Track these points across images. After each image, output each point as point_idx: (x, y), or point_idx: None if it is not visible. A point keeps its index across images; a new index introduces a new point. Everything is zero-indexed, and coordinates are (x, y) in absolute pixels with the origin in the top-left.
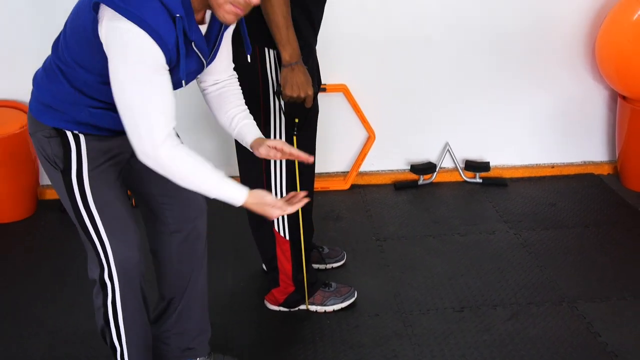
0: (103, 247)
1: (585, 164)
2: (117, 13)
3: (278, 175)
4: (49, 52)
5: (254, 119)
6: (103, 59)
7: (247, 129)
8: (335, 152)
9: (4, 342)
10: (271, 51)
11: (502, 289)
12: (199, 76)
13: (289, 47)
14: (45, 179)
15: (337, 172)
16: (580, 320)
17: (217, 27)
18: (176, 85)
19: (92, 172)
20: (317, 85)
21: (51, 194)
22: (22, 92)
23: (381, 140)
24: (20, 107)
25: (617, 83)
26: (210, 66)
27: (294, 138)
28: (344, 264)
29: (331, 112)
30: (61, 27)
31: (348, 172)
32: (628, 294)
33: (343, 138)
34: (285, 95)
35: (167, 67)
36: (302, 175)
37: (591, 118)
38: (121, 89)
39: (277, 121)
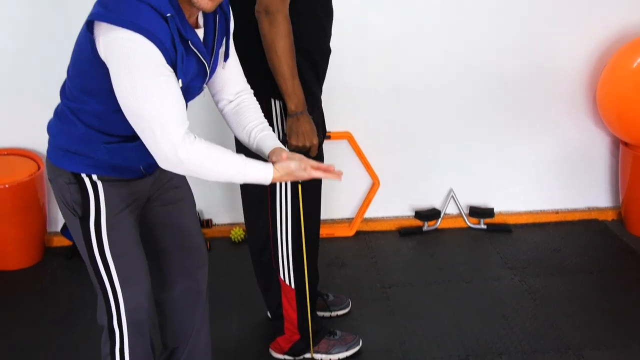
0: (114, 294)
1: (589, 209)
2: (111, 25)
3: (284, 222)
4: (57, 99)
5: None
6: (106, 77)
7: (265, 140)
8: (340, 199)
9: None
10: (277, 101)
11: (507, 336)
12: (215, 94)
13: (295, 97)
14: (52, 226)
15: (342, 219)
16: None
17: (212, 31)
18: (184, 91)
19: (110, 220)
20: (322, 135)
21: (58, 241)
22: (31, 140)
23: (385, 186)
24: (29, 155)
25: (618, 130)
26: (221, 76)
27: (299, 186)
28: (348, 311)
29: (336, 159)
30: None
31: (353, 218)
32: (633, 342)
33: (348, 185)
34: (291, 145)
35: (170, 69)
36: (307, 222)
37: (594, 164)
38: (128, 97)
39: None
